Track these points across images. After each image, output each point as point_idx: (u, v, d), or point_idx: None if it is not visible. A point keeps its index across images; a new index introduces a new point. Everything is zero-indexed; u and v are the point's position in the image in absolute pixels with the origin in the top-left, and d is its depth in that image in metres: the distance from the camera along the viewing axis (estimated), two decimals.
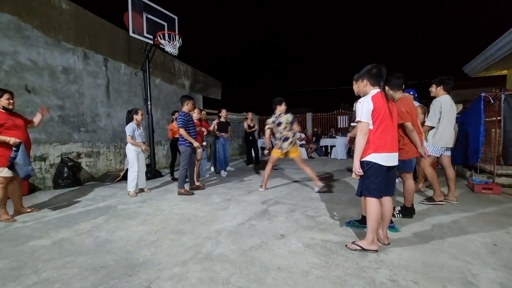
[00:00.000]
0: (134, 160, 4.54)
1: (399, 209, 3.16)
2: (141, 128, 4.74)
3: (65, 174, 5.31)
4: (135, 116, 4.62)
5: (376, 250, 2.26)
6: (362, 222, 2.77)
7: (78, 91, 5.90)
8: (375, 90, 2.29)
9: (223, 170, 6.48)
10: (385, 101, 2.24)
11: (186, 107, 4.58)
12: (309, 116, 13.31)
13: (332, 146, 10.52)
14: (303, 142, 10.40)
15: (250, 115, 7.90)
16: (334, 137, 10.66)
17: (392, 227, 2.70)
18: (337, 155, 9.86)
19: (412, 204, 3.13)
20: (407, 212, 3.11)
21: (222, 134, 6.35)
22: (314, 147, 10.49)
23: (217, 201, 4.10)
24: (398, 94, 2.95)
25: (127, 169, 5.97)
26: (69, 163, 5.40)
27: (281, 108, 4.60)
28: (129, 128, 4.50)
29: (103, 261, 2.24)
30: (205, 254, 2.32)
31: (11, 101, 3.34)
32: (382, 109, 2.20)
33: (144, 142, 4.74)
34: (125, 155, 6.78)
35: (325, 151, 10.89)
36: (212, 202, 4.05)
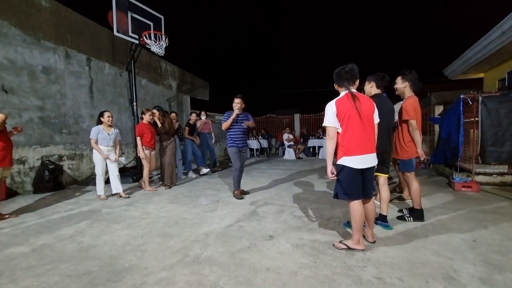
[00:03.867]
0: (98, 163, 4.36)
1: (408, 211, 3.13)
2: (111, 130, 4.46)
3: (46, 178, 5.10)
4: (101, 118, 4.41)
5: (362, 250, 2.30)
6: (379, 218, 2.84)
7: (59, 92, 5.69)
8: (343, 92, 2.33)
9: (202, 168, 6.62)
10: (351, 103, 2.21)
11: (233, 105, 4.23)
12: (296, 117, 13.43)
13: (319, 147, 10.65)
14: (291, 143, 10.48)
15: None
16: (322, 138, 10.80)
17: (386, 225, 2.78)
18: (325, 156, 9.98)
19: (421, 206, 3.05)
20: (417, 214, 3.02)
21: (192, 137, 6.49)
22: (302, 148, 10.59)
23: (205, 203, 4.06)
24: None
25: None
26: (50, 166, 5.20)
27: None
28: (93, 131, 4.32)
29: (87, 267, 2.16)
30: (193, 257, 2.29)
31: None
32: (347, 112, 2.21)
33: (113, 147, 4.48)
34: None
35: (313, 152, 11.01)
36: (200, 204, 4.01)
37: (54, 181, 5.19)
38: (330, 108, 2.27)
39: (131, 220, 3.31)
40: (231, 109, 4.27)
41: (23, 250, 2.51)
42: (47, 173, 5.13)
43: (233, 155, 4.32)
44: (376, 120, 2.37)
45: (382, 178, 2.83)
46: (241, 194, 4.38)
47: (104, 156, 4.37)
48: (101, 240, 2.70)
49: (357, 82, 2.35)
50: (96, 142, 4.32)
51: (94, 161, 4.43)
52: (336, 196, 2.38)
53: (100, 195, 4.43)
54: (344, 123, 2.23)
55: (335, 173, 2.32)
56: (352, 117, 2.21)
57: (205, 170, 6.58)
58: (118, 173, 4.56)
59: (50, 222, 3.31)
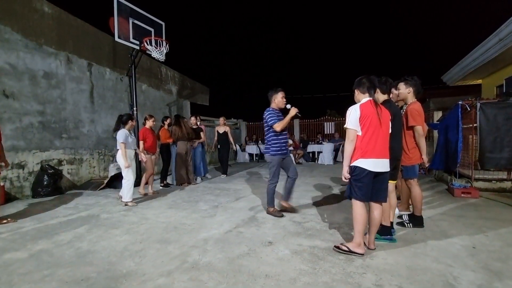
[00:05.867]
0: (130, 168, 4.26)
1: (408, 218, 3.11)
2: (133, 134, 4.63)
3: (45, 182, 5.09)
4: (130, 122, 4.43)
5: (362, 254, 2.29)
6: (382, 232, 2.61)
7: (60, 97, 5.72)
8: (366, 99, 2.39)
9: (198, 177, 6.55)
10: (374, 109, 2.31)
11: (274, 103, 3.63)
12: (296, 122, 13.46)
13: (319, 152, 10.67)
14: (291, 148, 10.49)
15: (221, 120, 7.66)
16: (321, 143, 10.83)
17: (390, 239, 2.61)
18: (324, 161, 10.00)
19: (421, 213, 3.03)
20: (417, 221, 3.01)
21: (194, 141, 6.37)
22: (301, 153, 10.60)
23: (204, 208, 4.05)
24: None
25: (111, 177, 5.86)
26: (49, 171, 5.19)
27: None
28: (122, 134, 4.24)
29: (84, 273, 2.15)
30: (192, 263, 2.28)
31: None
32: (370, 117, 2.28)
33: (135, 150, 4.64)
34: (109, 162, 6.64)
35: (312, 157, 11.02)
36: (199, 209, 3.99)
37: (53, 186, 5.18)
38: (354, 111, 2.33)
39: (129, 226, 3.30)
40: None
41: (21, 256, 2.50)
42: (46, 178, 5.12)
43: (277, 167, 3.57)
44: (390, 129, 2.44)
45: (391, 185, 2.75)
46: (287, 209, 3.66)
47: (126, 165, 4.19)
48: (100, 246, 2.69)
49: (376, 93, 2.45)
50: (125, 147, 4.24)
51: (123, 167, 4.24)
52: (348, 197, 2.40)
53: (128, 202, 4.23)
54: (365, 126, 2.29)
55: (350, 175, 2.36)
56: (373, 122, 2.28)
57: (199, 180, 6.50)
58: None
59: (48, 227, 3.30)
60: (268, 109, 3.61)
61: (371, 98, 2.38)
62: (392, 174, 2.73)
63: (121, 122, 4.43)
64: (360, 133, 2.32)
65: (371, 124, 2.28)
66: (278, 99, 3.58)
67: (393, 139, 2.59)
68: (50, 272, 2.17)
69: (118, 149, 4.30)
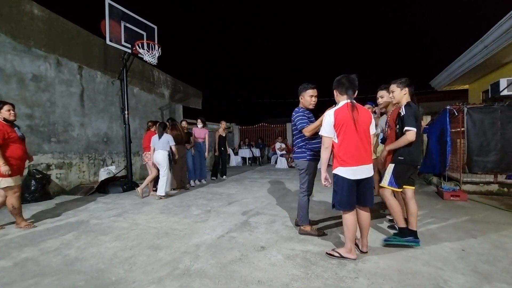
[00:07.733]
0: (168, 164, 5.05)
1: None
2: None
3: (32, 187, 4.95)
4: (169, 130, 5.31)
5: (354, 259, 2.30)
6: (401, 234, 2.58)
7: (49, 100, 5.61)
8: (343, 101, 2.33)
9: (192, 181, 6.53)
10: (349, 113, 2.22)
11: (302, 103, 3.06)
12: (289, 126, 13.53)
13: None
14: (284, 152, 10.52)
15: (223, 124, 7.64)
16: None
17: (417, 242, 2.55)
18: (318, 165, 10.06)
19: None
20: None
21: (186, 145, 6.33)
22: None
23: (197, 213, 4.00)
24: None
25: (101, 181, 5.76)
26: (37, 176, 5.06)
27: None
28: (172, 137, 5.11)
29: (72, 281, 2.09)
30: (183, 269, 2.24)
31: (12, 112, 3.37)
32: (345, 124, 2.21)
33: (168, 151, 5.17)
34: (99, 167, 6.53)
35: None
36: (192, 214, 3.95)
37: (40, 191, 5.04)
38: (328, 118, 2.27)
39: (119, 232, 3.23)
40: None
41: (5, 264, 2.41)
42: (34, 183, 4.98)
43: (312, 174, 3.03)
44: (372, 131, 2.39)
45: (410, 191, 2.66)
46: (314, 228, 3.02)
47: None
48: (88, 253, 2.62)
49: (356, 93, 2.36)
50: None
51: (165, 164, 5.01)
52: (334, 206, 2.37)
53: (163, 195, 4.99)
54: (341, 134, 2.24)
55: (329, 180, 2.34)
56: (348, 128, 2.22)
57: (192, 183, 6.49)
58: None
59: (34, 234, 3.20)
60: (296, 109, 3.02)
61: (348, 101, 2.30)
62: (411, 180, 2.67)
63: (164, 129, 5.13)
64: (336, 140, 2.27)
65: (346, 131, 2.22)
66: (305, 98, 2.99)
67: (417, 144, 2.51)
68: (36, 281, 2.10)
69: (163, 150, 4.96)
